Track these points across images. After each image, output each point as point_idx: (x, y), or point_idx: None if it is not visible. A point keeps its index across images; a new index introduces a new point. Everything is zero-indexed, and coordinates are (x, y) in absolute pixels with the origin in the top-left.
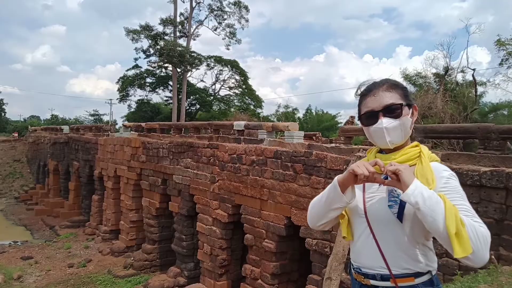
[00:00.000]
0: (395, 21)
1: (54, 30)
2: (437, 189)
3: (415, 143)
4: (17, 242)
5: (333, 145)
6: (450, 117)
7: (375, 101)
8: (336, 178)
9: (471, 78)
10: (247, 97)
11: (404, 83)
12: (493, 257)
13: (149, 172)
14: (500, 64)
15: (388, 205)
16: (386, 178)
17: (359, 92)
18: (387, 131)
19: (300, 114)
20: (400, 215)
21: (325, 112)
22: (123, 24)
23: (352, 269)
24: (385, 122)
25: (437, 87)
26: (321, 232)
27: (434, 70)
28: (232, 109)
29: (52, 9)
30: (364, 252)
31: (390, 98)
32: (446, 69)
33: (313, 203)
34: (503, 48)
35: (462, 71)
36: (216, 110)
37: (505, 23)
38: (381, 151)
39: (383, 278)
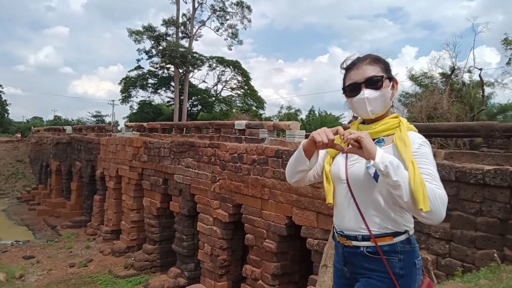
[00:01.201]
0: (401, 21)
1: (57, 32)
2: (411, 152)
3: (395, 114)
4: (19, 241)
5: None
6: (456, 118)
7: (358, 73)
8: (301, 142)
9: (478, 79)
10: (249, 98)
11: (410, 84)
12: (495, 255)
13: (150, 172)
14: (508, 63)
15: (367, 166)
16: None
17: (344, 65)
18: (369, 101)
19: (303, 116)
20: (376, 176)
21: (328, 113)
22: (126, 25)
23: (335, 233)
24: (367, 93)
25: (443, 88)
26: (323, 231)
27: (440, 70)
28: (234, 110)
29: (55, 10)
30: (346, 216)
31: (372, 71)
32: (452, 69)
33: (288, 162)
34: (511, 47)
35: (469, 71)
36: (218, 111)
37: None
38: (363, 122)
39: (364, 238)
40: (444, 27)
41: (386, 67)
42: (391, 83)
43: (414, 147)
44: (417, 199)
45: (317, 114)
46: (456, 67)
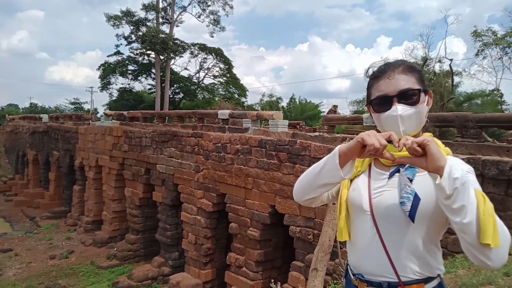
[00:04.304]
0: (377, 11)
1: (32, 15)
2: None
3: (429, 133)
4: None
5: (316, 134)
6: None
7: (389, 84)
8: (338, 147)
9: (448, 68)
10: (231, 86)
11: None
12: None
13: (131, 161)
14: (476, 54)
15: (400, 202)
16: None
17: (369, 73)
18: (402, 119)
19: (284, 103)
20: (412, 214)
21: (308, 101)
22: (104, 10)
23: (350, 275)
24: (400, 109)
25: None
26: (305, 219)
27: (413, 60)
28: (217, 98)
29: None
30: (368, 257)
31: (407, 82)
32: (425, 60)
33: (304, 174)
34: (479, 39)
35: (440, 61)
36: (201, 98)
37: (481, 14)
38: (389, 140)
39: (391, 286)
40: (417, 18)
41: (421, 78)
42: (427, 97)
43: None
44: (485, 230)
45: (298, 102)
46: (428, 58)
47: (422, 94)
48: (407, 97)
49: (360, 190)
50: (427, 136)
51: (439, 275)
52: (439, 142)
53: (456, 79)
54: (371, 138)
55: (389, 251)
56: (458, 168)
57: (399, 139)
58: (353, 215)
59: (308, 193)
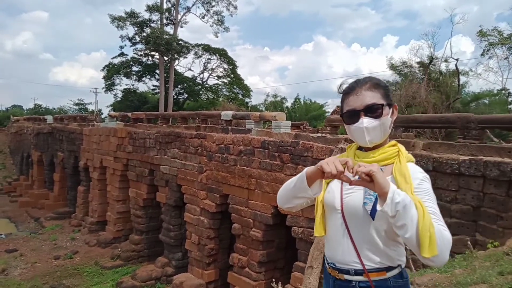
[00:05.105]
0: (383, 10)
1: (36, 16)
2: (413, 188)
3: (393, 142)
4: (1, 234)
5: (319, 134)
6: (433, 107)
7: (357, 100)
8: (305, 170)
9: (454, 68)
10: (235, 87)
11: (390, 73)
12: (469, 242)
13: (135, 162)
14: (482, 54)
15: (363, 202)
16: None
17: (341, 89)
18: (367, 131)
19: (288, 103)
20: (373, 213)
21: (313, 101)
22: (108, 10)
23: (326, 264)
24: (365, 122)
25: (422, 77)
26: (307, 220)
27: (418, 60)
28: (221, 99)
29: None
30: (339, 248)
31: (372, 97)
32: (430, 59)
33: (284, 186)
34: (485, 39)
35: (446, 61)
36: (204, 99)
37: (489, 12)
38: (360, 148)
39: (357, 273)
40: (423, 16)
41: (386, 93)
42: (391, 109)
43: (415, 182)
44: (423, 244)
45: (302, 102)
46: (434, 57)
47: (386, 108)
48: (372, 111)
49: (334, 192)
50: (374, 165)
51: (399, 265)
52: (403, 149)
53: (463, 78)
54: (329, 166)
55: (355, 243)
56: (401, 193)
57: (353, 167)
58: (328, 214)
59: (286, 203)
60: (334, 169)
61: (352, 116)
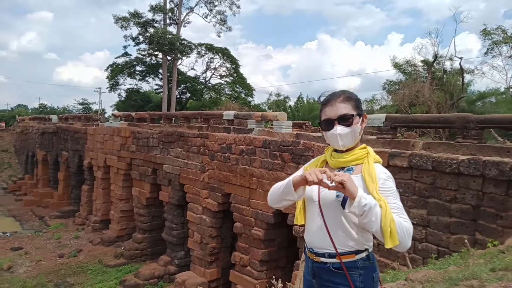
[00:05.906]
0: (388, 8)
1: (41, 17)
2: (378, 187)
3: (363, 145)
4: (7, 233)
5: (320, 134)
6: (436, 106)
7: (332, 110)
8: (291, 177)
9: (459, 66)
10: (238, 86)
11: (394, 72)
12: (466, 241)
13: (139, 161)
14: (486, 53)
15: (336, 195)
16: None
17: (320, 100)
18: (340, 137)
19: (291, 102)
20: (343, 204)
21: (316, 100)
22: (112, 10)
23: (306, 249)
24: (339, 129)
25: (426, 75)
26: None
27: (422, 58)
28: (223, 98)
29: None
30: (316, 235)
31: (344, 109)
32: (435, 57)
33: (273, 188)
34: (489, 37)
35: (450, 59)
36: (207, 98)
37: (496, 10)
38: (336, 150)
39: (331, 256)
40: (428, 14)
41: (357, 104)
42: (361, 119)
43: (379, 182)
44: (385, 236)
45: (305, 101)
46: (438, 55)
47: (357, 117)
48: (345, 120)
49: (312, 187)
50: (345, 174)
51: (367, 249)
52: (371, 151)
53: (468, 77)
54: (312, 175)
55: (329, 230)
56: (367, 197)
57: (330, 175)
58: (307, 205)
59: (275, 203)
60: (315, 178)
61: (328, 124)
